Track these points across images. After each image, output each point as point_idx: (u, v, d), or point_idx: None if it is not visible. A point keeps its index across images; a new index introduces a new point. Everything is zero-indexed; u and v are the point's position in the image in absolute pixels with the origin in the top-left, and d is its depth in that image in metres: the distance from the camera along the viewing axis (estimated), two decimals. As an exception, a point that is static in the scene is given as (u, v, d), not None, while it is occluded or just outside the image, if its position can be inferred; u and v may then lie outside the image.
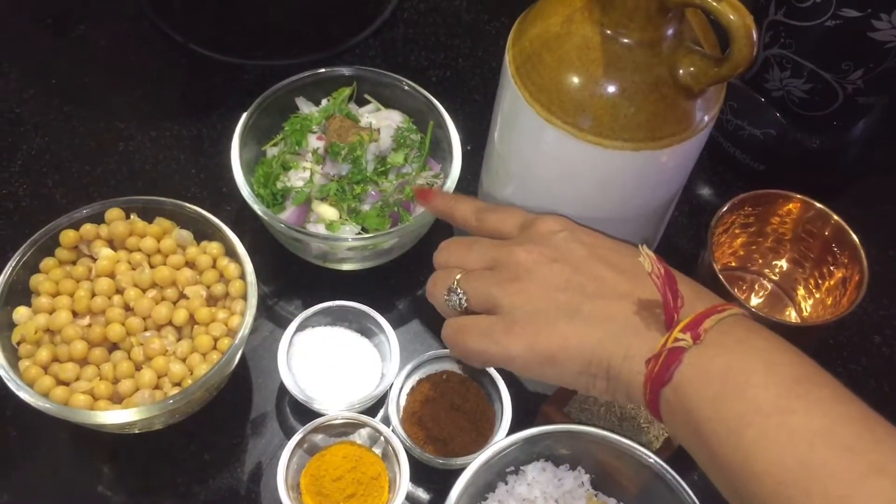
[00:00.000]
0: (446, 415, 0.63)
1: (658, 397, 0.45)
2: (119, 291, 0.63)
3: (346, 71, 0.75)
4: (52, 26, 0.87)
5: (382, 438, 0.61)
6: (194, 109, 0.82)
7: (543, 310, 0.48)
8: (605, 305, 0.47)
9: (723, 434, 0.42)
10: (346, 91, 0.74)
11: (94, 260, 0.65)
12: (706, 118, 0.57)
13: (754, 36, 0.51)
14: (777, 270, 0.71)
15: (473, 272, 0.53)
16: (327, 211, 0.68)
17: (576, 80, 0.55)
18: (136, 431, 0.63)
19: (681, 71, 0.54)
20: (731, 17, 0.50)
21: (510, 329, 0.49)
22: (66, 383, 0.60)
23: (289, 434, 0.62)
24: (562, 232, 0.52)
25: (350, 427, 0.62)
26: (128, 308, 0.63)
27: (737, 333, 0.44)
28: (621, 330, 0.46)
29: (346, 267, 0.72)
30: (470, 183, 0.76)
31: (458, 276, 0.52)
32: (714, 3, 0.51)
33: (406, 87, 0.74)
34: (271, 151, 0.73)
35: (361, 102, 0.76)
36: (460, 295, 0.52)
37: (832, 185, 0.79)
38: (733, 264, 0.72)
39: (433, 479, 0.63)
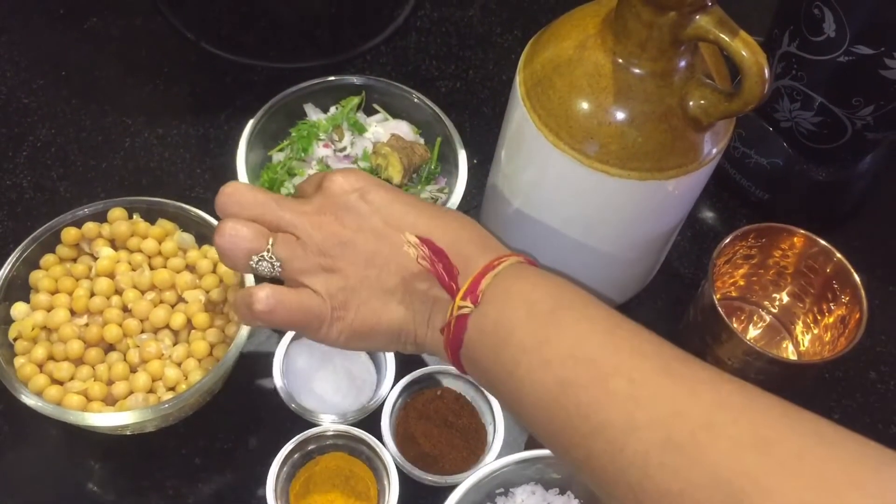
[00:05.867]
0: (439, 432, 0.63)
1: (459, 359, 0.49)
2: (118, 292, 0.63)
3: (356, 79, 0.74)
4: (65, 17, 0.87)
5: (374, 452, 0.61)
6: (202, 109, 0.82)
7: (356, 289, 0.50)
8: (408, 279, 0.49)
9: (503, 377, 0.46)
10: (356, 100, 0.74)
11: (95, 259, 0.65)
12: (714, 151, 0.57)
13: (766, 74, 0.50)
14: (777, 303, 0.71)
15: (287, 241, 0.50)
16: (330, 220, 0.68)
17: (585, 106, 0.55)
18: (128, 433, 0.63)
19: (691, 103, 0.54)
20: (744, 53, 0.50)
21: (329, 321, 0.50)
22: (60, 382, 0.60)
23: (280, 443, 0.61)
24: (353, 193, 0.51)
25: (342, 439, 0.62)
26: (126, 309, 0.63)
27: (505, 284, 0.47)
28: (423, 304, 0.49)
29: (346, 276, 0.72)
30: (474, 197, 0.76)
31: (270, 243, 0.50)
32: (728, 40, 0.50)
33: (416, 100, 0.74)
34: (277, 157, 0.73)
35: (370, 112, 0.76)
36: (273, 262, 0.50)
37: (837, 217, 0.79)
38: (733, 294, 0.72)
39: (423, 495, 0.63)
